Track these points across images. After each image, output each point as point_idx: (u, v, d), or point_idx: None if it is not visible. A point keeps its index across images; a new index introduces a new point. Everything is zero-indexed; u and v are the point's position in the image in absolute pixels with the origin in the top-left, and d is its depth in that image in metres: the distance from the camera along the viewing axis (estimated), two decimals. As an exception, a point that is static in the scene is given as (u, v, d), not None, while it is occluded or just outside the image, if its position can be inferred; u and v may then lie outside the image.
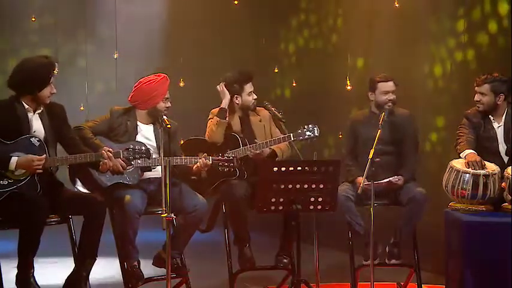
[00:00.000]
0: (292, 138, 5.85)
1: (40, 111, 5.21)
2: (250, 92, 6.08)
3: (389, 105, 6.04)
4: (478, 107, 5.81)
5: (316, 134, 5.87)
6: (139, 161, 5.43)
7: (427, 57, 7.73)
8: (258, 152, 5.86)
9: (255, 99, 6.10)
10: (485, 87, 5.75)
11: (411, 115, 6.20)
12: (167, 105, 5.71)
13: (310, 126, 5.87)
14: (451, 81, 7.48)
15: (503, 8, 6.97)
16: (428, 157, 7.48)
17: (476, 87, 5.80)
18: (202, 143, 6.04)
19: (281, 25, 9.47)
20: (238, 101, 6.08)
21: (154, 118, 5.71)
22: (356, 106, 8.21)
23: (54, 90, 5.19)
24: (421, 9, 7.75)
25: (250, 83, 6.09)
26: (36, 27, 9.19)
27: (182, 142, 6.15)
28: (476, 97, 5.80)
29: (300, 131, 5.86)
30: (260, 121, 6.14)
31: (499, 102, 5.76)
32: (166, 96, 5.70)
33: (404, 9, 7.75)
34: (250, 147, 5.88)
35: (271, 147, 5.97)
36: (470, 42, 7.30)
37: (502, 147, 5.76)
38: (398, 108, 6.18)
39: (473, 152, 5.60)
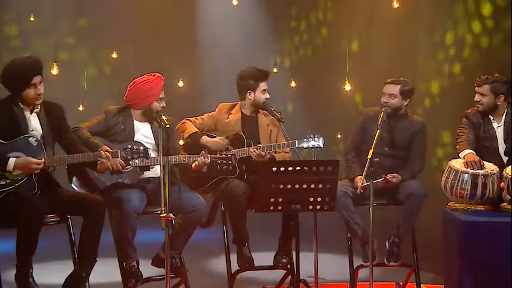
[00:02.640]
0: (297, 145, 5.83)
1: (38, 110, 5.20)
2: (264, 90, 6.06)
3: (385, 107, 6.03)
4: (478, 107, 5.81)
5: (321, 145, 5.84)
6: (137, 161, 5.42)
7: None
8: (263, 154, 5.82)
9: (267, 98, 6.09)
10: (486, 88, 5.75)
11: (423, 123, 6.17)
12: (162, 105, 5.68)
13: (316, 136, 5.85)
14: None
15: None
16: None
17: (476, 88, 5.80)
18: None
19: (281, 23, 9.49)
20: (251, 96, 6.08)
21: (149, 117, 5.71)
22: (354, 106, 8.24)
23: (41, 91, 5.09)
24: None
25: (266, 81, 6.08)
26: (34, 27, 9.17)
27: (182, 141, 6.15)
28: (476, 97, 5.80)
29: (305, 138, 5.84)
30: (268, 125, 6.13)
31: (498, 103, 5.77)
32: (160, 97, 5.69)
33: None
34: (254, 148, 5.86)
35: (274, 155, 5.96)
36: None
37: (502, 147, 5.77)
38: (413, 114, 6.19)
39: (472, 152, 5.60)
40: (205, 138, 5.93)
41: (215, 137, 6.01)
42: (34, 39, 9.12)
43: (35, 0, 9.02)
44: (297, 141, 5.83)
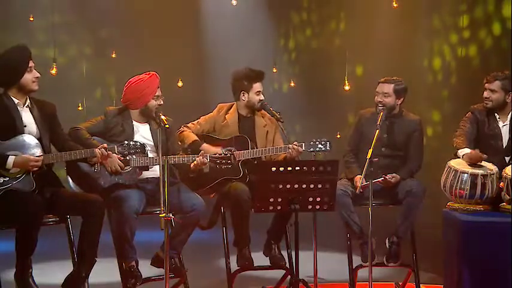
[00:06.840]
0: (303, 149, 5.83)
1: (29, 104, 5.20)
2: (259, 91, 6.05)
3: (379, 106, 6.04)
4: (486, 104, 5.80)
5: (328, 149, 5.85)
6: (134, 156, 5.42)
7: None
8: (301, 150, 5.80)
9: (261, 100, 6.07)
10: (496, 84, 5.76)
11: (419, 121, 6.18)
12: (159, 103, 5.67)
13: (323, 140, 5.84)
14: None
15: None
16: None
17: (486, 84, 5.80)
18: (206, 139, 6.03)
19: (280, 24, 9.49)
20: (245, 97, 6.07)
21: (147, 117, 5.70)
22: (355, 106, 8.24)
23: (37, 74, 5.16)
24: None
25: (260, 82, 6.06)
26: (33, 27, 9.16)
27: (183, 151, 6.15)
28: (486, 94, 5.79)
29: (312, 143, 5.84)
30: (264, 126, 6.12)
31: (508, 100, 5.77)
32: (157, 94, 5.67)
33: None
34: (258, 150, 5.86)
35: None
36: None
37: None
38: (409, 113, 6.19)
39: (477, 151, 5.59)
40: (205, 146, 5.91)
41: (216, 139, 6.01)
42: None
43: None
44: (304, 144, 5.83)
